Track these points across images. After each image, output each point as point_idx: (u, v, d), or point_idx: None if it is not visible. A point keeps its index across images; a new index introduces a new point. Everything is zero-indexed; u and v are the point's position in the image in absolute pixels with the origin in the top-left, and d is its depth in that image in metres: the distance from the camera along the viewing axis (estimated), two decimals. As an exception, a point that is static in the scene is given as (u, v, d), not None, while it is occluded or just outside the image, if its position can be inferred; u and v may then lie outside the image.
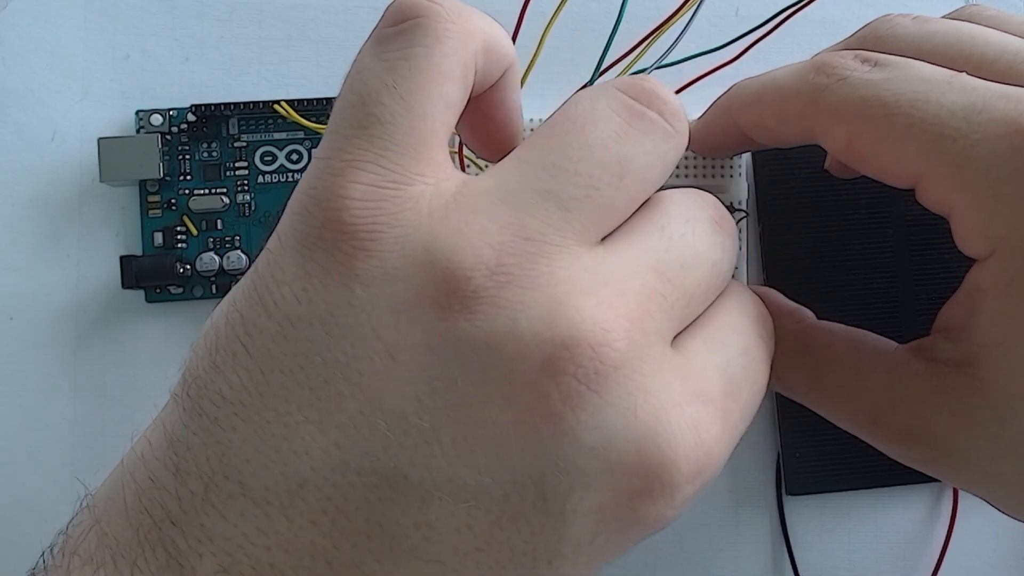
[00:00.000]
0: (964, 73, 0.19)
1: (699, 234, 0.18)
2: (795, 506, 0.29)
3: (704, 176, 0.28)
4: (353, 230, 0.16)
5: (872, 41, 0.22)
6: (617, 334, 0.15)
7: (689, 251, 0.18)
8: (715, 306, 0.19)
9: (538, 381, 0.15)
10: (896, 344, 0.22)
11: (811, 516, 0.29)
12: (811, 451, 0.28)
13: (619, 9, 0.22)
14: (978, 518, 0.29)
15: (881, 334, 0.22)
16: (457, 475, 0.15)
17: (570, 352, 0.15)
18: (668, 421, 0.16)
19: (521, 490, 0.15)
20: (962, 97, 0.19)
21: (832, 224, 0.29)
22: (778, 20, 0.26)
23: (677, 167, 0.28)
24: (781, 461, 0.29)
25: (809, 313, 0.24)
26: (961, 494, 0.29)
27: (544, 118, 0.24)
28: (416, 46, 0.17)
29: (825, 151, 0.23)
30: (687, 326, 0.18)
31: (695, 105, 0.26)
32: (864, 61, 0.20)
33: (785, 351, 0.23)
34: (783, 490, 0.29)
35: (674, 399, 0.16)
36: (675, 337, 0.18)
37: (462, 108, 0.18)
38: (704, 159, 0.28)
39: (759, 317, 0.20)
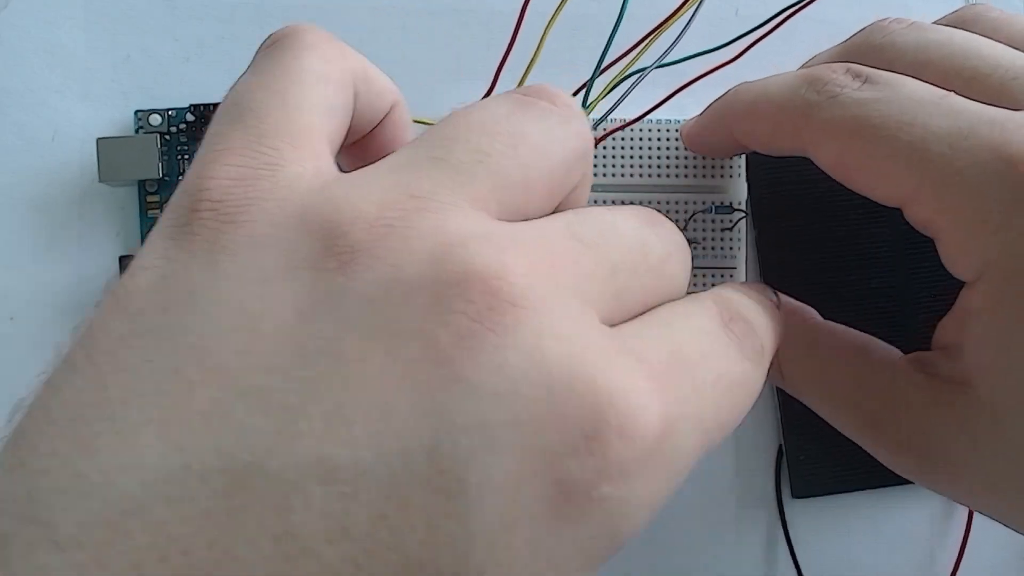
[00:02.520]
0: (953, 93, 0.20)
1: (622, 216, 0.16)
2: (800, 508, 0.29)
3: (703, 176, 0.28)
4: (221, 207, 0.14)
5: (867, 49, 0.22)
6: (516, 270, 0.13)
7: (607, 223, 0.15)
8: (665, 304, 0.16)
9: (424, 326, 0.13)
10: (900, 354, 0.22)
11: (816, 518, 0.29)
12: (816, 453, 0.28)
13: (620, 9, 0.22)
14: (990, 520, 0.29)
15: (879, 334, 0.23)
16: (328, 454, 0.12)
17: (460, 288, 0.13)
18: (586, 363, 0.13)
19: (411, 464, 0.12)
20: (948, 121, 0.19)
21: (828, 224, 0.29)
22: (778, 20, 0.26)
23: (677, 167, 0.28)
24: (785, 463, 0.29)
25: (814, 311, 0.24)
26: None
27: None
28: (286, 51, 0.17)
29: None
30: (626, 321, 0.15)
31: (695, 106, 0.27)
32: (855, 77, 0.20)
33: (791, 346, 0.23)
34: (783, 492, 0.29)
35: (596, 344, 0.13)
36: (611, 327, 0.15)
37: (345, 119, 0.17)
38: (703, 159, 0.28)
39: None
